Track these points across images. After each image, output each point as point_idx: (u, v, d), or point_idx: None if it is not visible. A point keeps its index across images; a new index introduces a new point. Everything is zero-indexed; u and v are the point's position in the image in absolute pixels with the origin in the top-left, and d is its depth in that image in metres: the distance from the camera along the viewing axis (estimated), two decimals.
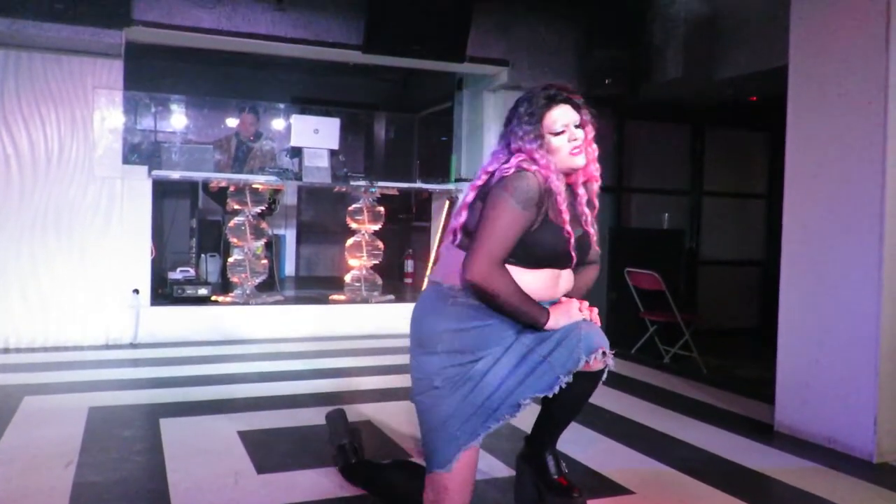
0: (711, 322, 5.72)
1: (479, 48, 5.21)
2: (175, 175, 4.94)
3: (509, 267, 1.83)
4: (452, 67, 5.51)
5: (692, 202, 6.31)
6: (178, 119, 7.03)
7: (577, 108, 1.93)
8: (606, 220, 6.01)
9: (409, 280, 6.68)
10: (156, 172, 4.77)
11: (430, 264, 5.91)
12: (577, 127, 1.91)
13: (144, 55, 5.46)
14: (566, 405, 1.94)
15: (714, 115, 6.16)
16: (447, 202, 5.83)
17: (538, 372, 1.83)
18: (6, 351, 4.35)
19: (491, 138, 5.60)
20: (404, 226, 7.41)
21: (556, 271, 1.91)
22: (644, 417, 3.26)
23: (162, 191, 5.31)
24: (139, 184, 4.68)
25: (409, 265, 6.72)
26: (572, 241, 1.87)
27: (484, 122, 5.65)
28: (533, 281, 1.86)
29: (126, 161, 4.80)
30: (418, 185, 5.92)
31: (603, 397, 3.17)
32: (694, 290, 6.15)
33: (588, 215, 1.98)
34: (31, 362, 4.08)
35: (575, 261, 1.92)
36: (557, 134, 1.89)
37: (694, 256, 6.24)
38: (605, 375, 1.88)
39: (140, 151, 5.69)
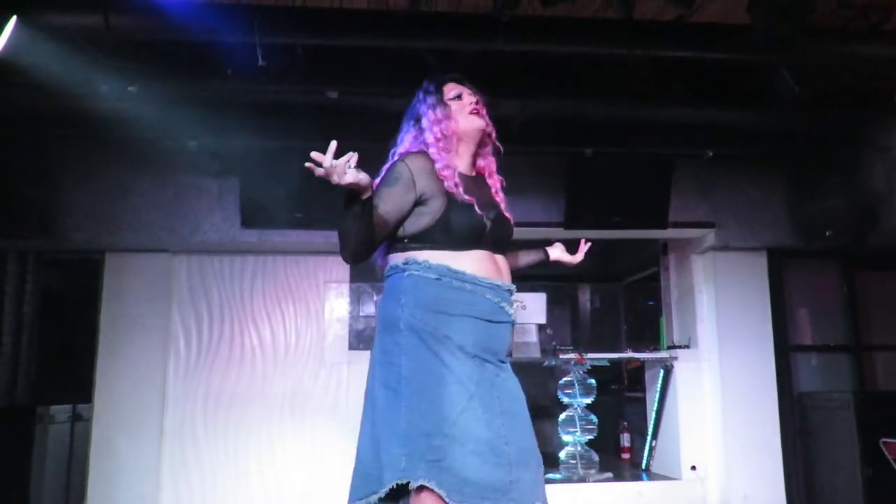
0: None
1: (681, 212, 5.16)
2: None
3: (439, 253, 1.97)
4: (655, 234, 5.49)
5: None
6: None
7: (472, 86, 2.18)
8: (845, 383, 5.39)
9: (626, 455, 6.30)
10: None
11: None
12: (475, 95, 2.15)
13: None
14: None
15: None
16: (661, 371, 5.57)
17: None
18: None
19: (703, 301, 5.38)
20: (617, 397, 7.13)
21: (488, 253, 2.03)
22: None
23: None
24: (364, 368, 4.97)
25: (626, 439, 6.37)
26: (487, 220, 2.01)
27: (694, 286, 5.46)
28: (471, 262, 1.98)
29: (351, 347, 5.19)
30: (630, 354, 5.74)
31: None
32: None
33: (504, 202, 2.17)
34: None
35: (497, 242, 2.06)
36: (454, 99, 2.13)
37: None
38: None
39: (363, 338, 6.12)
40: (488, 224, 2.03)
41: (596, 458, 5.29)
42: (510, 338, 2.10)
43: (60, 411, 4.32)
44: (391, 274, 2.05)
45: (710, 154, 4.92)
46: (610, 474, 5.26)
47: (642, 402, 6.11)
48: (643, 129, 4.73)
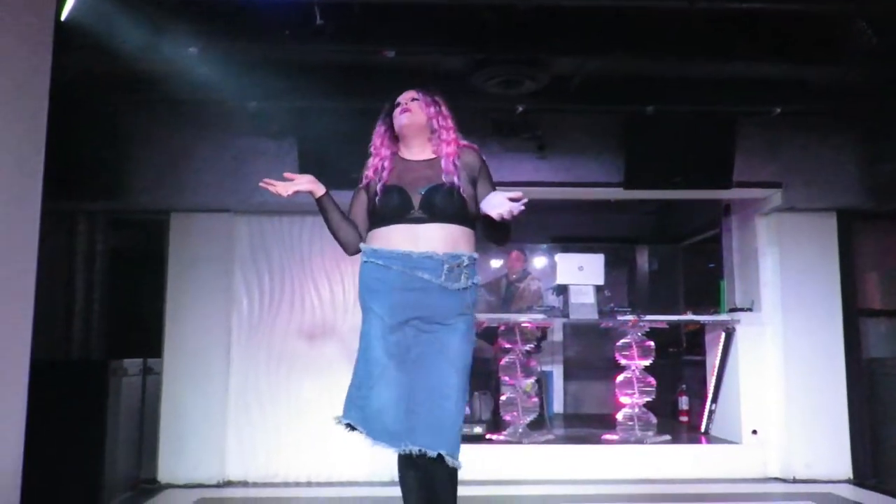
0: None
1: (745, 172, 4.99)
2: None
3: (370, 235, 2.39)
4: (718, 194, 5.34)
5: None
6: None
7: (419, 91, 2.48)
8: None
9: (684, 419, 6.25)
10: None
11: None
12: (413, 100, 2.45)
13: None
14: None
15: None
16: (723, 334, 5.47)
17: None
18: (308, 485, 4.78)
19: (767, 264, 5.24)
20: (675, 360, 7.05)
21: (407, 225, 2.30)
22: None
23: None
24: None
25: (684, 402, 6.31)
26: (411, 195, 2.31)
27: (758, 248, 5.31)
28: (387, 238, 2.32)
29: None
30: (690, 316, 5.65)
31: None
32: None
33: (455, 173, 2.35)
34: (321, 496, 4.41)
35: (430, 213, 2.29)
36: (396, 107, 2.46)
37: None
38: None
39: None
40: (415, 199, 2.31)
41: (654, 420, 5.27)
42: (448, 300, 2.29)
43: (132, 365, 4.49)
44: None
45: (778, 111, 4.73)
46: (668, 437, 5.23)
47: (701, 365, 6.03)
48: (706, 85, 4.57)
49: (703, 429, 5.66)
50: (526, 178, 5.10)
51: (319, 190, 2.43)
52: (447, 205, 2.32)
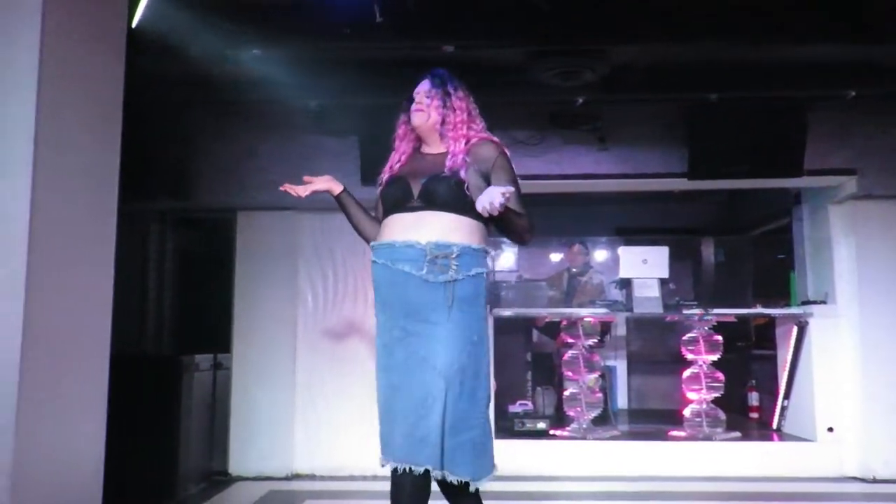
0: None
1: (817, 159, 4.81)
2: (507, 312, 5.23)
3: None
4: (787, 183, 5.16)
5: None
6: (509, 259, 7.57)
7: (434, 83, 2.41)
8: None
9: (754, 415, 6.08)
10: (496, 310, 5.11)
11: None
12: (427, 96, 2.39)
13: None
14: None
15: None
16: (794, 327, 5.29)
17: None
18: (374, 478, 4.83)
19: (842, 254, 5.03)
20: (744, 355, 6.85)
21: (402, 214, 2.27)
22: None
23: (499, 326, 5.65)
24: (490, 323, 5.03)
25: (754, 398, 6.14)
26: (411, 185, 2.27)
27: (832, 238, 5.11)
28: (383, 230, 2.34)
29: None
30: (759, 310, 5.48)
31: None
32: None
33: (461, 165, 2.26)
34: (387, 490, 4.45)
35: (428, 202, 2.23)
36: (412, 101, 2.42)
37: None
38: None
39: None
40: (415, 189, 2.27)
41: (722, 416, 5.14)
42: (430, 294, 2.18)
43: (203, 360, 4.62)
44: None
45: (852, 94, 4.54)
46: (737, 433, 5.10)
47: (771, 359, 5.85)
48: (773, 69, 4.41)
49: (774, 426, 5.49)
50: (587, 171, 5.04)
51: (337, 188, 2.48)
52: (447, 194, 2.23)
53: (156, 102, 4.46)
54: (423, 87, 2.43)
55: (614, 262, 6.33)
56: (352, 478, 4.83)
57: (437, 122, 2.37)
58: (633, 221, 7.72)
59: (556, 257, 7.59)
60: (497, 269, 7.49)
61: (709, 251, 7.73)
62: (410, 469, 2.09)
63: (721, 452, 4.88)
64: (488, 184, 2.24)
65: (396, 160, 2.45)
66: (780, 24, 3.91)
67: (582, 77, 4.22)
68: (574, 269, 6.22)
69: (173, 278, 5.30)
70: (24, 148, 2.29)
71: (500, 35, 3.94)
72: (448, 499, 2.25)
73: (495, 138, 2.37)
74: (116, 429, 2.87)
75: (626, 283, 5.43)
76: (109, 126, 2.78)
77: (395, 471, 2.14)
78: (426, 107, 2.38)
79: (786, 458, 4.89)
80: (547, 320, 5.41)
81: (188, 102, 4.75)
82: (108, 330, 2.73)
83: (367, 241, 2.46)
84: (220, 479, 4.76)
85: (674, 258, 5.42)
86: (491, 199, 2.05)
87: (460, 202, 2.23)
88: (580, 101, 4.61)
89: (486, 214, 2.11)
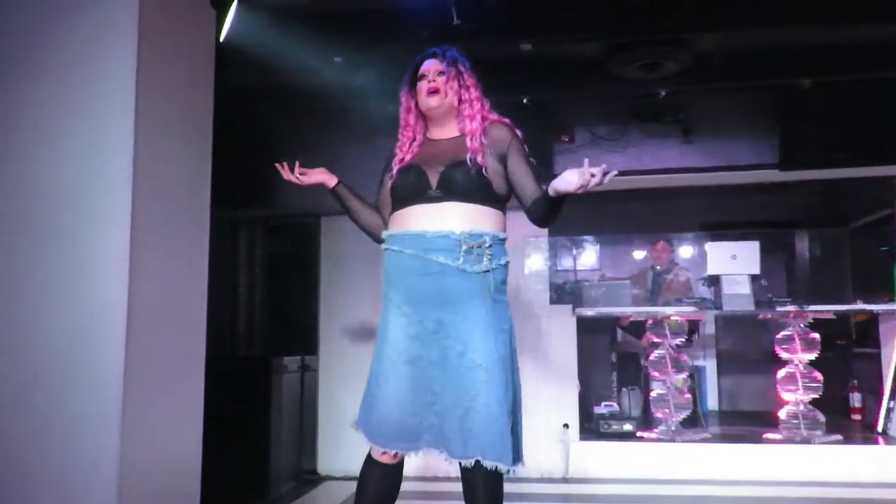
0: None
1: None
2: (591, 312, 5.13)
3: (391, 218, 2.27)
4: (888, 171, 4.88)
5: None
6: (591, 257, 7.46)
7: (444, 60, 2.25)
8: None
9: (856, 416, 5.77)
10: (579, 310, 5.03)
11: None
12: (440, 74, 2.23)
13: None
14: None
15: None
16: None
17: None
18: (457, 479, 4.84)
19: None
20: (844, 353, 6.52)
21: (424, 206, 2.15)
22: None
23: (582, 326, 5.57)
24: (565, 321, 4.98)
25: (856, 399, 5.82)
26: (428, 174, 2.16)
27: None
28: (403, 220, 2.20)
29: (552, 301, 5.18)
30: (860, 305, 5.19)
31: None
32: None
33: (480, 151, 2.15)
34: None
35: (449, 192, 2.12)
36: (420, 79, 2.25)
37: None
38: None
39: (562, 292, 6.11)
40: (432, 178, 2.16)
41: (822, 418, 4.89)
42: (468, 284, 2.11)
43: (292, 362, 4.74)
44: None
45: None
46: (839, 436, 4.84)
47: (875, 358, 5.54)
48: (869, 51, 4.17)
49: (879, 428, 5.19)
50: (671, 165, 4.92)
51: (331, 180, 2.42)
52: (468, 183, 2.13)
53: (243, 112, 4.61)
54: (432, 65, 2.27)
55: (701, 258, 6.13)
56: (435, 478, 4.85)
57: (455, 102, 2.24)
58: (719, 216, 7.47)
59: (639, 255, 7.42)
60: (579, 268, 7.40)
61: (803, 245, 7.40)
62: (478, 462, 2.05)
63: (821, 456, 4.64)
64: (504, 167, 2.19)
65: (406, 148, 2.30)
66: (873, 2, 3.70)
67: (665, 68, 4.12)
68: (658, 267, 6.07)
69: (262, 282, 5.47)
70: (124, 160, 2.41)
71: (579, 29, 3.88)
72: (470, 489, 2.17)
73: (506, 119, 2.28)
74: (212, 428, 2.98)
75: (714, 280, 5.25)
76: (202, 137, 2.90)
77: (464, 467, 2.10)
78: (442, 86, 2.23)
79: (892, 462, 4.61)
80: (631, 319, 5.28)
81: (274, 111, 4.89)
82: (203, 333, 2.84)
83: (370, 232, 2.38)
84: (310, 478, 4.87)
85: (765, 253, 5.21)
86: (586, 178, 1.95)
87: (480, 190, 2.15)
88: (662, 93, 4.49)
89: (577, 192, 1.97)
